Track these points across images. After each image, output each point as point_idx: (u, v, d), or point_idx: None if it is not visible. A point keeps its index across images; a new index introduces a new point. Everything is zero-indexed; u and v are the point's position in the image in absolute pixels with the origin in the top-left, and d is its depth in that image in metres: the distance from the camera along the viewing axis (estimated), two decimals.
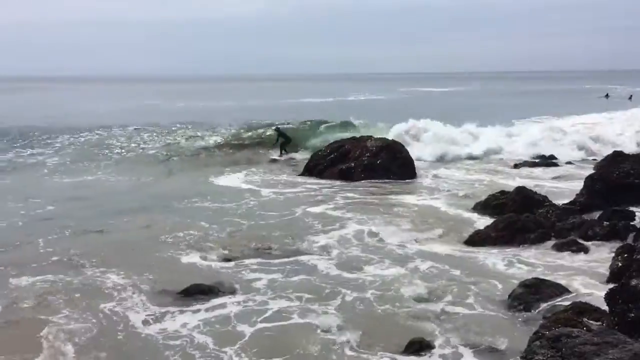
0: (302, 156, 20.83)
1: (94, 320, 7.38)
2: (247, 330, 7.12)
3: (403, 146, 18.09)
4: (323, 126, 25.70)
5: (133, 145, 23.64)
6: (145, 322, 7.35)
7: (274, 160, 20.90)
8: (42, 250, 10.26)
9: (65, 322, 7.32)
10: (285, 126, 24.47)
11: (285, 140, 21.98)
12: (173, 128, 27.81)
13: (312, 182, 16.66)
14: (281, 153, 21.62)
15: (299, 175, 17.79)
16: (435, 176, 17.43)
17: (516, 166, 19.05)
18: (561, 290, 7.83)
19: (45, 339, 6.85)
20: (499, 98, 66.08)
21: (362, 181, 16.44)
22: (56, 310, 7.65)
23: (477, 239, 10.44)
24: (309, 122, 26.96)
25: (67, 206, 13.80)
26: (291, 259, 9.70)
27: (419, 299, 7.96)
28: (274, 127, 23.46)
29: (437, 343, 6.64)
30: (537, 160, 20.10)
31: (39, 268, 9.26)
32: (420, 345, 6.46)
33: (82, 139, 23.75)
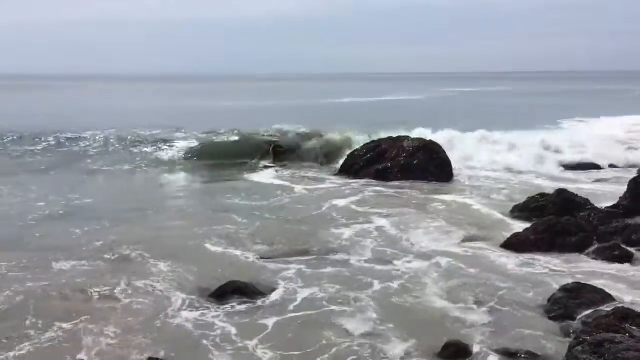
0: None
1: (128, 305, 7.66)
2: (276, 324, 7.20)
3: (440, 147, 17.85)
4: None
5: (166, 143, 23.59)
6: (179, 311, 7.54)
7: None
8: (83, 238, 10.68)
9: (100, 305, 7.65)
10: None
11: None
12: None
13: (348, 182, 16.64)
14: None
15: (334, 175, 17.78)
16: (473, 178, 17.16)
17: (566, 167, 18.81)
18: (603, 295, 7.61)
19: (82, 321, 7.11)
20: (534, 98, 64.50)
21: (398, 181, 16.33)
22: (92, 293, 7.99)
23: (515, 242, 10.24)
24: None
25: (104, 198, 14.43)
26: (325, 255, 9.71)
27: (454, 301, 7.86)
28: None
29: (473, 347, 6.52)
30: (579, 163, 19.54)
31: (80, 254, 9.68)
32: (456, 348, 6.36)
33: (114, 137, 23.70)
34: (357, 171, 17.48)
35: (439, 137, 19.91)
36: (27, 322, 7.13)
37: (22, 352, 6.38)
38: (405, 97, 68.53)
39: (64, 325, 7.06)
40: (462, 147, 20.10)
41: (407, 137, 18.26)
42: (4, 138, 22.37)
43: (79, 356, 6.34)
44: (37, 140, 22.26)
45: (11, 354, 6.32)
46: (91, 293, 8.04)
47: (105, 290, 8.14)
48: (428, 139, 18.47)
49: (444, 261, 9.52)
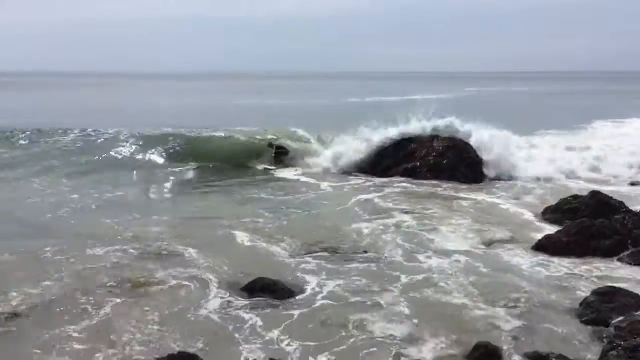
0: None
1: (159, 294, 7.83)
2: (303, 320, 7.23)
3: (471, 146, 17.67)
4: None
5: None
6: (209, 303, 7.65)
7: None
8: (116, 227, 11.05)
9: (131, 294, 7.83)
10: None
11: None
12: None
13: (374, 179, 16.63)
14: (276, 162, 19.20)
15: (362, 173, 17.73)
16: (504, 178, 16.84)
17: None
18: (637, 300, 7.43)
19: (111, 312, 7.25)
20: (558, 99, 63.17)
21: (427, 180, 16.24)
22: (123, 283, 8.17)
23: (546, 243, 10.06)
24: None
25: (135, 191, 14.92)
26: (352, 252, 9.68)
27: (481, 301, 7.77)
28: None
29: (503, 349, 6.43)
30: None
31: (113, 241, 10.04)
32: (486, 349, 6.27)
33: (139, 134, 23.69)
34: (385, 169, 17.42)
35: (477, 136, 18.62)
36: (59, 309, 7.33)
37: (52, 339, 6.53)
38: (432, 96, 68.04)
39: (95, 315, 7.21)
40: (501, 148, 19.40)
41: (436, 136, 18.11)
42: (28, 132, 22.67)
43: (109, 345, 6.45)
44: (64, 135, 22.61)
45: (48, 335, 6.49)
46: (122, 283, 8.20)
47: (137, 280, 8.31)
48: (458, 138, 18.15)
49: (470, 261, 9.43)
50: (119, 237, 10.35)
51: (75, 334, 6.68)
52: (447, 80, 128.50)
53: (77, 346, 6.41)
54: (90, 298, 7.66)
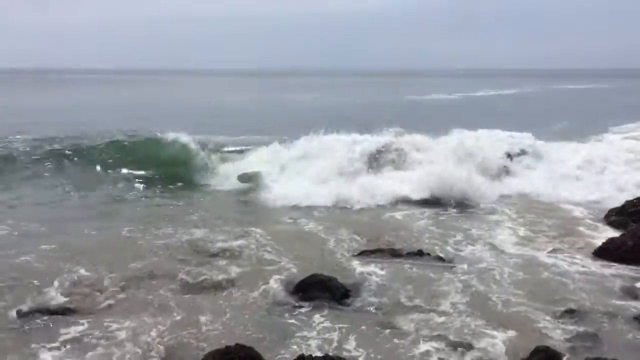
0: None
1: (217, 289, 8.12)
2: (357, 316, 7.26)
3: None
4: None
5: None
6: (265, 299, 7.82)
7: None
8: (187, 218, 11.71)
9: (193, 288, 8.18)
10: None
11: None
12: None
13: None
14: None
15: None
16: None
17: None
18: None
19: (173, 294, 7.47)
20: None
21: None
22: (184, 279, 8.44)
23: (610, 247, 9.68)
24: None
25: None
26: (409, 253, 9.60)
27: (542, 306, 7.60)
28: None
29: (564, 354, 6.28)
30: None
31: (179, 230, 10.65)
32: (545, 353, 6.13)
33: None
34: None
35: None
36: (123, 295, 7.67)
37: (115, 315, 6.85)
38: (494, 92, 66.70)
39: (159, 306, 7.51)
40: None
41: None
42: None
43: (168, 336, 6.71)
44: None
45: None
46: (183, 278, 8.47)
47: (200, 277, 8.55)
48: None
49: (530, 264, 9.26)
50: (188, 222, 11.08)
51: (134, 324, 6.99)
52: (511, 78, 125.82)
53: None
54: (144, 291, 8.02)
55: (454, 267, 9.15)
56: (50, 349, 6.36)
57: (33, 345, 6.40)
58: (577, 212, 12.66)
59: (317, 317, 7.27)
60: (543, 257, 9.69)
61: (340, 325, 7.06)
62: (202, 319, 7.18)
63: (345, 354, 6.33)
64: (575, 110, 39.27)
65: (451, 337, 6.75)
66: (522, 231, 11.19)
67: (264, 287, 8.23)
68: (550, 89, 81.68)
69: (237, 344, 5.72)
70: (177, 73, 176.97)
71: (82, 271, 8.52)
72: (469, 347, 6.51)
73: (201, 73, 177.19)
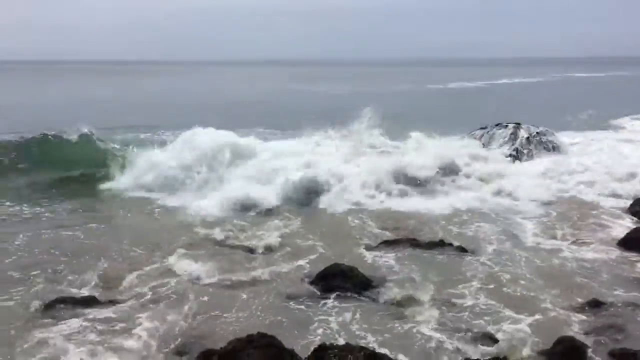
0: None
1: (243, 282, 8.14)
2: (378, 307, 7.27)
3: (554, 134, 17.16)
4: None
5: None
6: (288, 289, 7.86)
7: None
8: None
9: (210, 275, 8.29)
10: None
11: None
12: None
13: None
14: None
15: None
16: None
17: None
18: None
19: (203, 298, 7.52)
20: None
21: None
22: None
23: (635, 237, 9.51)
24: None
25: None
26: (432, 245, 9.53)
27: (565, 297, 7.54)
28: None
29: (588, 345, 6.21)
30: None
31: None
32: (569, 343, 6.07)
33: None
34: None
35: None
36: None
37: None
38: (517, 80, 65.88)
39: (180, 297, 7.59)
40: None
41: (519, 125, 17.58)
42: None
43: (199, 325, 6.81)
44: None
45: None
46: (203, 269, 8.54)
47: (219, 268, 8.63)
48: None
49: (554, 255, 9.18)
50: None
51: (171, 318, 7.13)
52: (538, 66, 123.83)
53: None
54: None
55: (475, 257, 9.10)
56: (74, 337, 6.49)
57: (54, 334, 6.55)
58: (601, 202, 12.47)
59: (338, 307, 7.29)
60: (566, 247, 9.59)
61: (361, 315, 7.08)
62: (223, 309, 7.26)
63: (364, 342, 6.32)
64: (598, 99, 38.69)
65: (473, 328, 6.73)
66: (544, 222, 11.07)
67: (285, 277, 8.29)
68: (573, 77, 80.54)
69: (258, 333, 5.77)
70: (204, 64, 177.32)
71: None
72: (491, 337, 6.48)
73: (238, 63, 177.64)
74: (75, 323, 6.80)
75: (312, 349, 5.67)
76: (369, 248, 9.55)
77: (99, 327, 6.70)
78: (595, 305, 7.26)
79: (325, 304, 7.42)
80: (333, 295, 7.60)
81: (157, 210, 12.15)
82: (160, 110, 32.85)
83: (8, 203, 12.30)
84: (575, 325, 6.79)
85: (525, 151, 16.16)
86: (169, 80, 77.13)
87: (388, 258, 9.02)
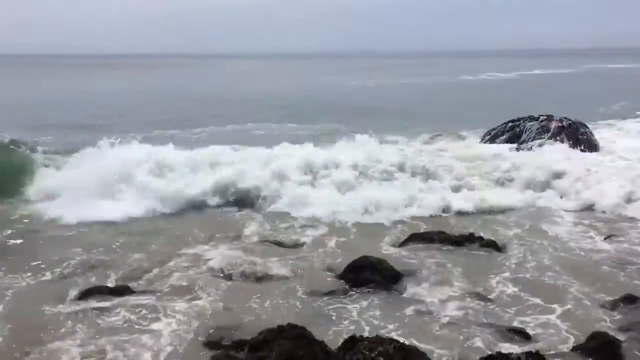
0: None
1: (272, 277, 8.12)
2: (404, 300, 7.23)
3: (587, 127, 16.80)
4: None
5: None
6: (317, 283, 7.88)
7: None
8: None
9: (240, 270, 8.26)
10: None
11: None
12: None
13: None
14: None
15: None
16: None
17: None
18: None
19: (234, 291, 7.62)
20: None
21: None
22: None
23: None
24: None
25: None
26: (458, 238, 9.47)
27: (598, 293, 7.43)
28: None
29: (621, 341, 6.06)
30: None
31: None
32: (602, 339, 5.98)
33: None
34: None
35: None
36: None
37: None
38: (548, 71, 64.81)
39: (210, 289, 7.70)
40: None
41: (550, 116, 17.30)
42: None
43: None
44: None
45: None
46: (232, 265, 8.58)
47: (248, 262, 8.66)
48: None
49: (587, 251, 9.07)
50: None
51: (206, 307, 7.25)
52: (570, 57, 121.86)
53: None
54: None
55: (506, 251, 9.02)
56: (107, 324, 6.65)
57: (88, 321, 6.72)
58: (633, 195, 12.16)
59: (366, 300, 7.31)
60: (599, 243, 9.45)
61: (390, 308, 7.08)
62: (252, 301, 7.33)
63: (393, 335, 6.30)
64: (631, 90, 37.87)
65: (503, 323, 6.68)
66: (578, 215, 10.90)
67: (313, 270, 8.33)
68: (606, 68, 78.87)
69: (289, 324, 5.82)
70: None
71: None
72: (522, 332, 6.42)
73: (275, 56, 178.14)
74: (108, 311, 6.96)
75: (341, 340, 5.69)
76: (397, 242, 9.54)
77: (132, 317, 6.84)
78: (629, 301, 7.11)
79: (354, 297, 7.44)
80: (362, 289, 7.60)
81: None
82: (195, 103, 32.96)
83: None
84: (609, 321, 6.69)
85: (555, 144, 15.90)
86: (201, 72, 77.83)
87: (417, 251, 8.99)
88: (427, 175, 13.08)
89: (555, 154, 14.48)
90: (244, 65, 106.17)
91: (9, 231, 10.18)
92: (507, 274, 8.15)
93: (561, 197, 12.01)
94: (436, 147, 17.26)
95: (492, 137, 17.48)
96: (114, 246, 9.34)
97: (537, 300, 7.27)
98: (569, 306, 7.10)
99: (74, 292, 7.46)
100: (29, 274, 8.19)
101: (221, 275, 8.19)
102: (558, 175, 12.79)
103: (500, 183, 13.16)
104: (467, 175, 13.35)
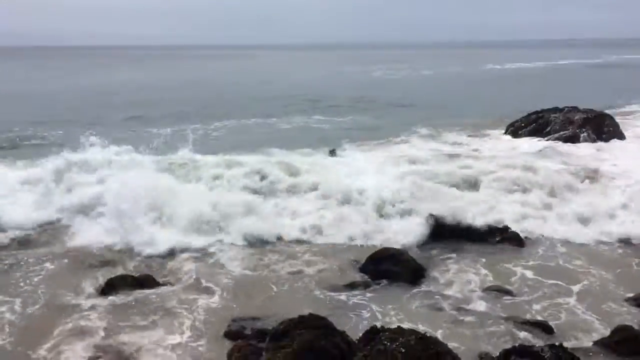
0: None
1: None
2: (422, 295, 7.22)
3: (612, 119, 16.51)
4: None
5: None
6: (339, 275, 7.89)
7: None
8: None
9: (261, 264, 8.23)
10: None
11: None
12: None
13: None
14: None
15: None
16: None
17: None
18: None
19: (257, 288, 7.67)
20: None
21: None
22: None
23: None
24: None
25: None
26: (481, 234, 9.35)
27: (626, 289, 7.32)
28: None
29: None
30: None
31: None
32: (629, 333, 5.89)
33: None
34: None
35: None
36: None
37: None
38: (576, 61, 63.72)
39: (232, 282, 7.81)
40: None
41: (574, 108, 17.05)
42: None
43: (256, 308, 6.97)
44: None
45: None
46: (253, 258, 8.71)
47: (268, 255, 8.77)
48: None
49: (613, 245, 9.00)
50: None
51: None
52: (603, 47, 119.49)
53: None
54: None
55: (532, 245, 8.95)
56: (130, 311, 6.77)
57: (113, 307, 6.85)
58: None
59: (387, 293, 7.31)
60: (625, 236, 9.29)
61: (411, 301, 7.09)
62: (274, 293, 7.41)
63: (414, 327, 6.29)
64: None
65: (527, 316, 6.64)
66: (605, 210, 10.70)
67: (334, 263, 8.33)
68: (633, 58, 77.34)
69: (310, 314, 5.83)
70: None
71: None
72: (547, 327, 6.35)
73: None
74: (132, 298, 7.09)
75: (362, 331, 5.69)
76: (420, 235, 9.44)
77: (155, 305, 6.95)
78: None
79: (375, 289, 7.44)
80: (383, 281, 7.61)
81: None
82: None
83: None
84: (634, 315, 6.61)
85: (581, 135, 15.68)
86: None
87: (440, 244, 8.97)
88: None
89: None
90: (267, 57, 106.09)
91: None
92: (532, 267, 8.10)
93: None
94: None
95: (515, 130, 17.24)
96: None
97: (562, 294, 7.21)
98: (594, 299, 7.03)
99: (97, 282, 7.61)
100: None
101: (241, 267, 8.26)
102: None
103: None
104: None
